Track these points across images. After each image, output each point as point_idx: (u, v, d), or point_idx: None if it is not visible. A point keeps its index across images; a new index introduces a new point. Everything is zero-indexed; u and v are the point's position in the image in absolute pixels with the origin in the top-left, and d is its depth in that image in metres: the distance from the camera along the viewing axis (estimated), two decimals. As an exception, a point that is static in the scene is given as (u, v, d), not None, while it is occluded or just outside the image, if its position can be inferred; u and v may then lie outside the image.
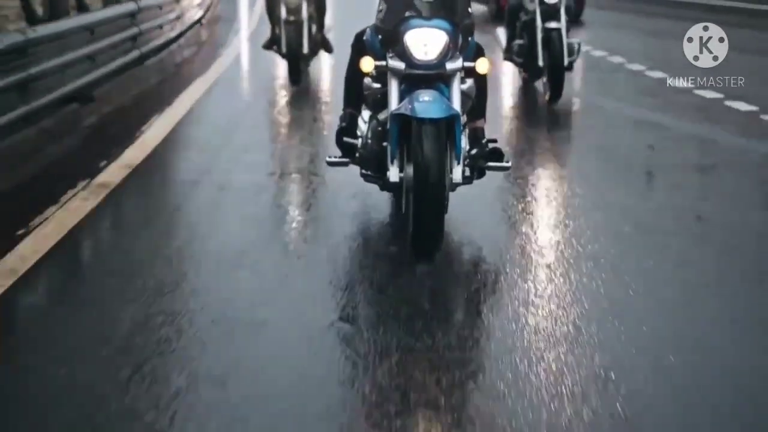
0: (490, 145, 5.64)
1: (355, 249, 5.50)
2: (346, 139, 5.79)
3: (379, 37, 5.45)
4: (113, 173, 6.79)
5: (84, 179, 6.50)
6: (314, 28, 10.91)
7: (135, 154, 7.42)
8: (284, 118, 9.78)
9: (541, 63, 9.58)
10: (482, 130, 5.67)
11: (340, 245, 5.47)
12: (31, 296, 4.88)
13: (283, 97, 10.69)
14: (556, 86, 9.55)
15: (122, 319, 4.38)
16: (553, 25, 9.43)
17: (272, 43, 11.05)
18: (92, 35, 8.80)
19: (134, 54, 10.61)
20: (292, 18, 10.60)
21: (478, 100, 5.59)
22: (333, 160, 5.91)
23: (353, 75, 5.64)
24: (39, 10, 9.13)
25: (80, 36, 8.46)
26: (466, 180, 5.50)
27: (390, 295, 4.74)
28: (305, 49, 10.67)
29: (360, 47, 5.59)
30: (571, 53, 9.58)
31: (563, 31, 9.45)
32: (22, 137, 6.77)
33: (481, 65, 5.34)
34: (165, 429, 3.46)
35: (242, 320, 4.41)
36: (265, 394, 3.74)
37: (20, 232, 5.48)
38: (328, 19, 11.52)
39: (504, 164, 5.71)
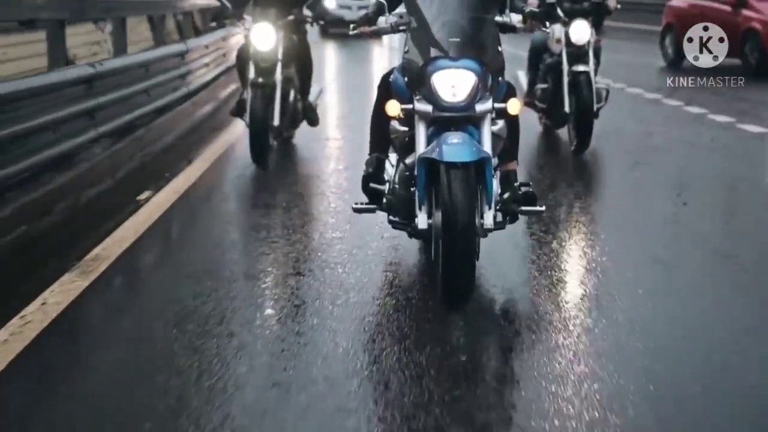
0: (523, 189, 5.44)
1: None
2: (372, 185, 5.60)
3: (406, 78, 5.27)
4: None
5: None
6: (293, 93, 8.80)
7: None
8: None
9: (567, 109, 9.11)
10: (515, 172, 5.47)
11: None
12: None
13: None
14: (584, 135, 9.05)
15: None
16: (580, 68, 8.98)
17: (240, 110, 8.74)
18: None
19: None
20: (261, 80, 8.34)
21: (510, 142, 5.39)
22: (360, 206, 5.70)
23: (379, 118, 5.45)
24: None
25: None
26: (498, 225, 5.29)
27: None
28: (276, 121, 8.37)
29: (386, 89, 5.42)
30: (599, 99, 9.13)
31: (592, 75, 9.03)
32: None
33: (513, 106, 5.13)
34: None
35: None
36: None
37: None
38: (318, 81, 9.72)
39: (537, 208, 5.50)
